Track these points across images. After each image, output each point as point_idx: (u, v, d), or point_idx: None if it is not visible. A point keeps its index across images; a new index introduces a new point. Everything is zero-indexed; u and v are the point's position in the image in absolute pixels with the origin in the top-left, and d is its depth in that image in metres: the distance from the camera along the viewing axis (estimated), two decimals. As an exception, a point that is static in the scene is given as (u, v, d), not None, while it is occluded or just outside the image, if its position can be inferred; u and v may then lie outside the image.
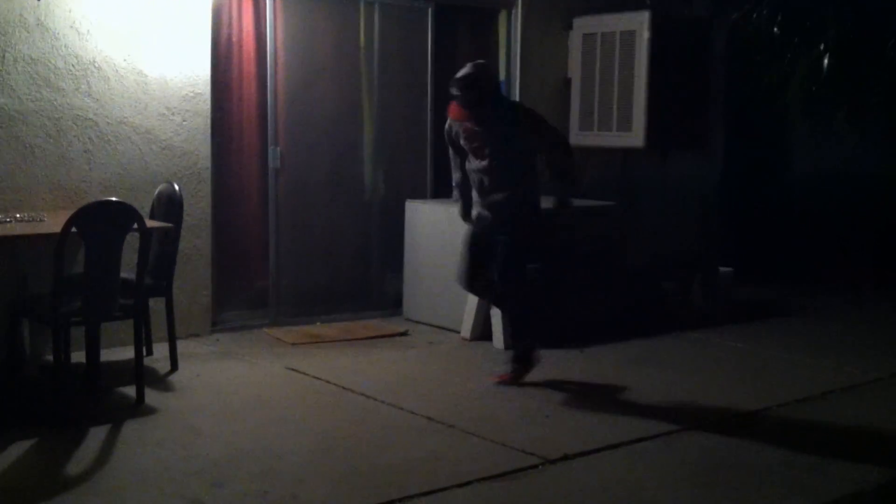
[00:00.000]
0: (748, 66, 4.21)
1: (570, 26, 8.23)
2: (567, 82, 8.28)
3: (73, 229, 4.76)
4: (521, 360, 5.72)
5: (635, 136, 7.85)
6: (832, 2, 3.79)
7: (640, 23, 7.76)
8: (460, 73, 5.55)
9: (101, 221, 4.90)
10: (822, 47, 3.77)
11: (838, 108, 3.92)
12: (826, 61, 3.76)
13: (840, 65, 3.74)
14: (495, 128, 5.56)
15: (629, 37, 7.85)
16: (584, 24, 8.16)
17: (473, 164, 5.69)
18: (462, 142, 5.71)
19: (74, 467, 4.25)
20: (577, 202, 7.50)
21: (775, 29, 4.00)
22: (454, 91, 5.56)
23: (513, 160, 5.58)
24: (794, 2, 3.92)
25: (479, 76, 5.52)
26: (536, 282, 6.19)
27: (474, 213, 5.80)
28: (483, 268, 5.74)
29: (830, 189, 9.84)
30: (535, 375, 5.76)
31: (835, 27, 3.79)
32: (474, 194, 5.77)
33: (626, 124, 7.89)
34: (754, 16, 4.00)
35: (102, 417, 4.89)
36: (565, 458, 4.47)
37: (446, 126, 5.83)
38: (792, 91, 3.90)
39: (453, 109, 5.68)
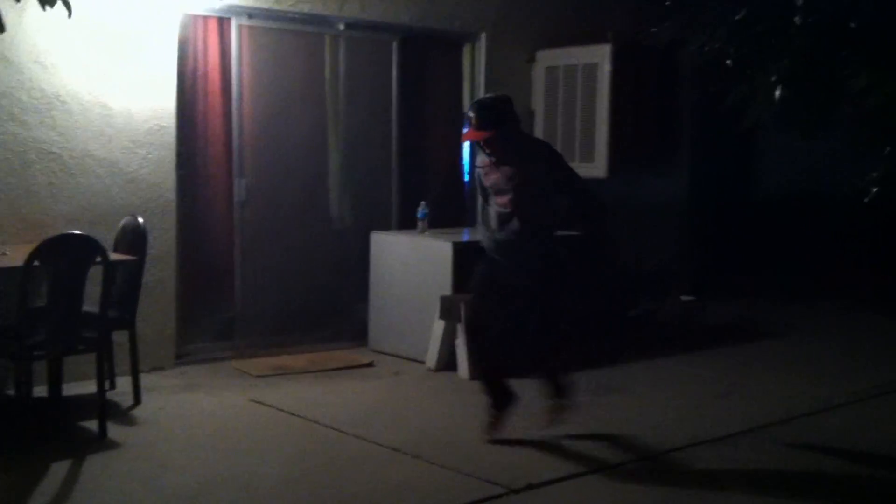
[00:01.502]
0: (709, 93, 4.29)
1: (533, 59, 8.33)
2: (531, 114, 8.37)
3: (36, 262, 4.75)
4: (562, 391, 5.40)
5: (598, 167, 7.94)
6: (785, 32, 3.88)
7: (601, 56, 7.88)
8: (479, 98, 5.28)
9: (65, 254, 4.89)
10: (773, 79, 3.85)
11: (796, 130, 4.01)
12: (778, 92, 3.84)
13: (792, 95, 3.83)
14: (517, 162, 5.14)
15: (591, 69, 7.97)
16: (546, 57, 8.27)
17: (493, 204, 5.26)
18: (483, 180, 5.28)
19: (36, 502, 4.22)
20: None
21: (728, 61, 4.08)
22: (470, 113, 5.17)
23: (537, 199, 5.15)
24: (749, 32, 4.01)
25: (498, 100, 5.21)
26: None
27: (489, 250, 5.33)
28: (492, 316, 5.29)
29: (794, 207, 10.03)
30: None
31: (788, 56, 3.88)
32: (486, 235, 5.35)
33: (589, 155, 7.98)
34: (706, 48, 4.09)
35: (65, 452, 4.85)
36: (530, 487, 4.50)
37: (478, 162, 5.38)
38: (750, 114, 3.98)
39: (468, 132, 5.26)
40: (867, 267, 9.74)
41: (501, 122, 5.08)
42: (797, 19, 3.93)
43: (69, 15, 4.85)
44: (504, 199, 5.15)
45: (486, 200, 5.36)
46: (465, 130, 5.39)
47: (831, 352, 7.59)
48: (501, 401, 5.30)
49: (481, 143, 5.17)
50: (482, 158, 5.27)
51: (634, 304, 7.95)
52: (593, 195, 5.43)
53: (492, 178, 5.21)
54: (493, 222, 5.23)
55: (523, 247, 5.15)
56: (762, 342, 8.00)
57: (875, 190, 3.97)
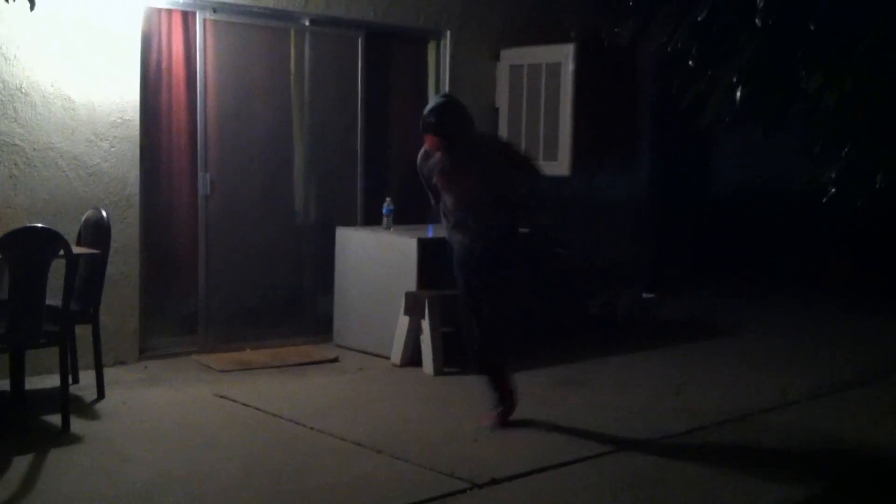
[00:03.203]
0: (670, 89, 4.33)
1: (497, 57, 8.38)
2: (495, 111, 8.42)
3: (-2, 255, 4.73)
4: (507, 397, 5.49)
5: (561, 165, 8.01)
6: (745, 28, 3.94)
7: (565, 55, 7.94)
8: (433, 103, 5.38)
9: (27, 247, 4.86)
10: (734, 79, 3.91)
11: (755, 127, 4.07)
12: (738, 93, 3.90)
13: (752, 92, 3.89)
14: (475, 168, 5.33)
15: (555, 69, 8.03)
16: (510, 56, 8.32)
17: (449, 200, 5.41)
18: (435, 179, 5.41)
19: (-3, 496, 4.21)
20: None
21: (689, 62, 4.13)
22: (431, 119, 5.30)
23: (494, 201, 5.36)
24: (709, 30, 4.07)
25: (455, 105, 5.38)
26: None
27: (458, 243, 5.44)
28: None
29: (753, 201, 10.17)
30: (462, 399, 5.83)
31: (748, 53, 3.94)
32: (449, 227, 5.48)
33: (552, 153, 8.04)
34: (668, 49, 4.14)
35: (27, 446, 4.83)
36: (493, 482, 4.53)
37: (418, 163, 5.52)
38: (708, 111, 4.03)
39: (429, 139, 5.35)
40: (825, 263, 9.90)
41: (457, 123, 5.30)
42: (757, 20, 3.99)
43: (31, 7, 4.82)
44: (459, 193, 5.33)
45: (437, 201, 5.50)
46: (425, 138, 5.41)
47: (787, 348, 7.71)
48: (507, 393, 5.47)
49: (439, 148, 5.30)
50: (440, 164, 5.35)
51: (593, 300, 8.02)
52: (540, 175, 5.66)
53: (451, 185, 5.34)
54: (452, 221, 5.39)
55: (474, 236, 5.32)
56: (718, 338, 8.11)
57: (832, 190, 4.03)
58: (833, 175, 4.01)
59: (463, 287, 5.45)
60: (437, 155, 5.38)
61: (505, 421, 5.43)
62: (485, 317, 5.39)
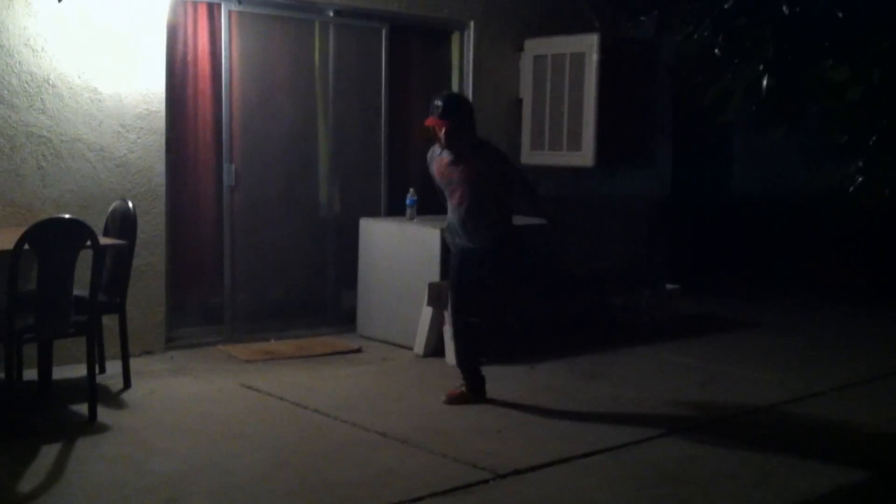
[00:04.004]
0: (692, 85, 4.32)
1: (521, 48, 8.36)
2: (518, 103, 8.40)
3: (26, 246, 4.77)
4: (475, 377, 5.77)
5: (585, 156, 7.98)
6: (771, 21, 3.92)
7: (589, 45, 7.90)
8: (446, 91, 5.73)
9: (55, 238, 4.91)
10: (760, 68, 3.89)
11: (779, 125, 4.04)
12: (765, 82, 3.87)
13: (779, 84, 3.86)
14: (472, 161, 5.52)
15: (579, 59, 8.00)
16: (534, 46, 8.30)
17: (448, 200, 5.67)
18: (437, 178, 5.69)
19: (26, 484, 4.25)
20: (517, 220, 7.69)
21: (716, 51, 4.11)
22: (437, 102, 5.52)
23: (488, 196, 5.55)
24: (734, 22, 4.05)
25: (464, 98, 5.68)
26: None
27: (453, 242, 5.75)
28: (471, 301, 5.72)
29: (772, 202, 10.10)
30: (487, 392, 5.84)
31: (773, 46, 3.92)
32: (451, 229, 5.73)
33: (575, 144, 8.02)
34: (695, 37, 4.12)
35: (54, 434, 4.88)
36: (516, 472, 4.55)
37: (428, 161, 5.80)
38: (732, 108, 4.01)
39: (432, 120, 5.53)
40: (845, 263, 9.83)
41: (463, 116, 5.52)
42: (785, 9, 3.96)
43: (59, 0, 4.86)
44: (457, 194, 5.56)
45: (441, 195, 5.74)
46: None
47: (808, 344, 7.64)
48: (479, 383, 5.76)
49: (440, 134, 5.52)
50: (439, 156, 5.65)
51: (615, 294, 8.01)
52: (535, 193, 5.93)
53: (447, 175, 5.59)
54: (451, 218, 5.65)
55: (472, 238, 5.58)
56: (738, 333, 8.08)
57: (860, 179, 4.00)
58: (861, 164, 3.98)
59: (461, 286, 5.70)
60: (439, 149, 5.64)
61: (461, 401, 5.66)
62: (483, 314, 5.72)
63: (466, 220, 5.57)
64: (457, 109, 5.53)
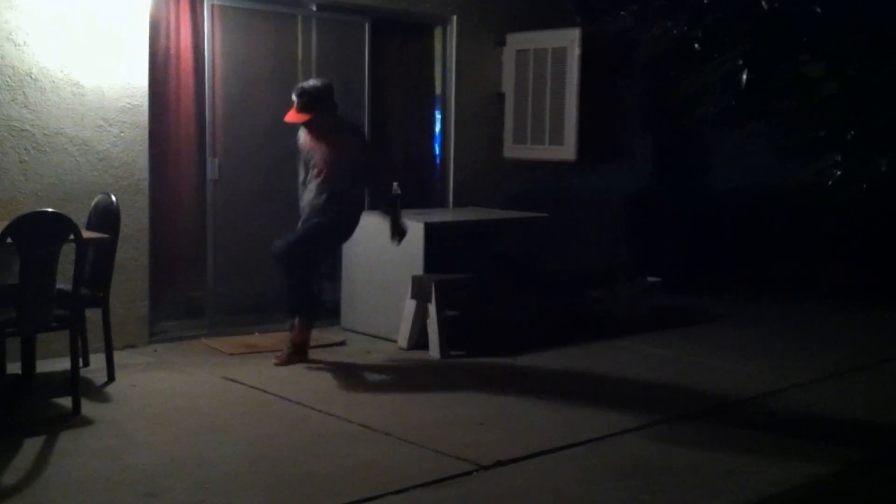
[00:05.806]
0: (669, 79, 4.36)
1: (503, 42, 8.39)
2: (501, 97, 8.43)
3: (9, 240, 4.77)
4: (299, 339, 6.35)
5: (567, 150, 8.03)
6: (748, 15, 3.95)
7: (571, 40, 7.95)
8: (301, 84, 6.21)
9: (37, 232, 4.91)
10: (740, 62, 3.92)
11: (755, 120, 4.09)
12: (745, 76, 3.91)
13: (757, 78, 3.90)
14: (330, 143, 6.21)
15: (560, 53, 8.04)
16: (516, 41, 8.33)
17: (310, 174, 6.34)
18: (303, 153, 6.40)
19: (8, 478, 4.27)
20: (500, 214, 7.75)
21: (696, 45, 4.15)
22: (294, 97, 6.18)
23: (344, 174, 6.24)
24: (712, 16, 4.08)
25: (319, 88, 6.18)
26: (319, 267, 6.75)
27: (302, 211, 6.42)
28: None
29: (750, 198, 10.14)
30: (469, 384, 5.88)
31: (751, 41, 3.95)
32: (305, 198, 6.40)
33: (557, 138, 8.06)
34: (674, 31, 4.15)
35: (37, 428, 4.89)
36: (499, 464, 4.59)
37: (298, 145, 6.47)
38: (709, 103, 4.05)
39: (289, 114, 6.22)
40: (822, 257, 9.90)
41: (319, 109, 6.14)
42: (763, 3, 4.00)
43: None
44: (317, 170, 6.26)
45: (305, 170, 6.42)
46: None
47: (784, 338, 7.68)
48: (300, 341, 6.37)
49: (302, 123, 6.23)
50: (303, 135, 6.35)
51: (595, 286, 8.06)
52: (392, 171, 6.71)
53: (310, 153, 6.31)
54: (310, 188, 6.31)
55: (325, 209, 6.24)
56: (716, 326, 8.13)
57: (838, 173, 4.05)
58: (838, 158, 4.02)
59: (313, 243, 6.30)
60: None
61: (285, 363, 6.25)
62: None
63: (321, 192, 6.22)
64: (315, 103, 6.13)
